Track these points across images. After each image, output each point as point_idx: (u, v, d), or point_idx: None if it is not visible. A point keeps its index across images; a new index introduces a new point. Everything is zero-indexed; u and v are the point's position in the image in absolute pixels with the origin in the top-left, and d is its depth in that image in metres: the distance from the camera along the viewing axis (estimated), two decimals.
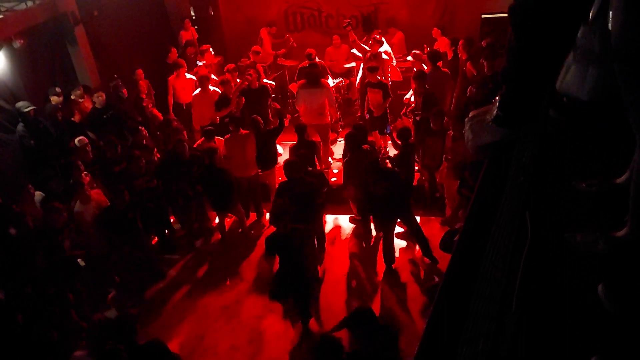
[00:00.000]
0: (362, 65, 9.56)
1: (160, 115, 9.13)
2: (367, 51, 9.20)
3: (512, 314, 1.36)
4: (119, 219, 6.53)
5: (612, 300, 1.37)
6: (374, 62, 8.77)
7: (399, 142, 7.30)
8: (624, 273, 1.44)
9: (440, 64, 8.71)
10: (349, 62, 10.33)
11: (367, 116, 8.89)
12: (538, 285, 1.46)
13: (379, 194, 6.41)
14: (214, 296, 6.92)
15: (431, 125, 7.40)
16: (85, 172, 6.91)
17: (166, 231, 7.85)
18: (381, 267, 7.06)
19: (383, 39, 9.64)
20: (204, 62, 10.20)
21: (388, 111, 8.81)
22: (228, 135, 7.84)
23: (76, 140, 7.35)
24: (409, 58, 9.42)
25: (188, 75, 9.59)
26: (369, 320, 4.33)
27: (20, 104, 7.28)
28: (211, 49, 10.44)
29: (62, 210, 6.09)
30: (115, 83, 8.82)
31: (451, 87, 8.76)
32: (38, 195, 6.63)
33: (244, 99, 8.74)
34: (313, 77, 8.55)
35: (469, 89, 8.18)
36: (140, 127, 8.22)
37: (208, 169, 7.32)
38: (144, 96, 9.13)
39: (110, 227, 6.51)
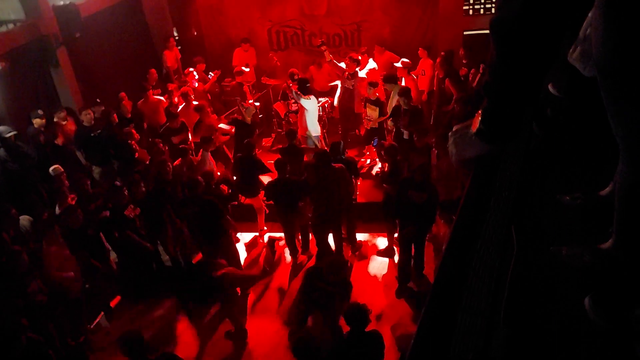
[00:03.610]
0: (339, 85, 9.65)
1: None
2: (344, 70, 9.28)
3: (500, 328, 1.35)
4: (77, 236, 6.35)
5: (598, 313, 1.37)
6: (370, 79, 8.94)
7: (388, 160, 7.32)
8: (610, 285, 1.43)
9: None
10: (333, 81, 10.40)
11: (364, 130, 9.00)
12: (525, 299, 1.46)
13: (418, 202, 6.38)
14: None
15: (415, 142, 7.47)
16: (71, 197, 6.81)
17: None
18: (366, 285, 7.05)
19: (360, 57, 9.78)
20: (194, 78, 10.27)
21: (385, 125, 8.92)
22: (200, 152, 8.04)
23: (51, 169, 7.18)
24: (398, 64, 9.48)
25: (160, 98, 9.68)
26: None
27: (0, 128, 7.18)
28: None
29: (23, 253, 5.72)
30: (107, 109, 8.80)
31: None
32: (24, 219, 6.51)
33: (232, 129, 8.95)
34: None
35: (450, 106, 8.31)
36: (131, 142, 8.18)
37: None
38: (129, 116, 9.10)
39: (72, 246, 6.27)
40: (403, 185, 6.59)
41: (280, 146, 8.72)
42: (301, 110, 8.71)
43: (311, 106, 8.53)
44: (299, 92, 8.38)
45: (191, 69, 10.31)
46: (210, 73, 10.51)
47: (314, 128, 8.68)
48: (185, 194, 7.12)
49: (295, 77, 9.58)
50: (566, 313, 1.46)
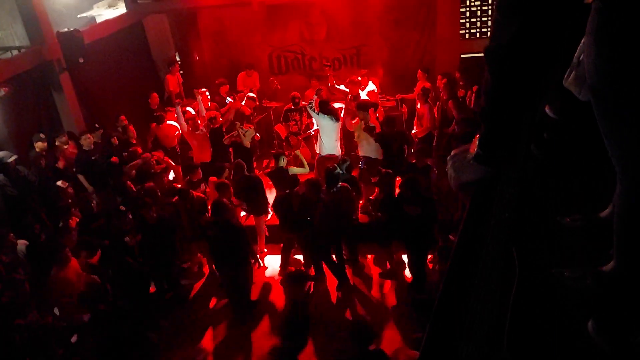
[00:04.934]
0: (343, 107, 9.71)
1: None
2: (347, 93, 9.36)
3: (502, 353, 1.34)
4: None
5: (602, 336, 1.36)
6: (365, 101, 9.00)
7: (381, 187, 7.31)
8: (613, 308, 1.43)
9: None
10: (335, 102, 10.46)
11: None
12: (527, 323, 1.45)
13: (412, 215, 6.37)
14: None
15: (416, 163, 7.50)
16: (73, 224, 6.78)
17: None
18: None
19: (360, 78, 9.85)
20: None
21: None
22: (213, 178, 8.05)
23: (59, 182, 7.23)
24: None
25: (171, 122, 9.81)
26: None
27: (0, 154, 7.22)
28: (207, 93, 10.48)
29: (24, 282, 5.66)
30: (107, 132, 8.89)
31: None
32: (22, 244, 6.49)
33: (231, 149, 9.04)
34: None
35: (451, 128, 8.35)
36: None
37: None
38: (134, 141, 9.15)
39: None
40: (398, 200, 6.62)
41: (268, 170, 8.78)
42: (317, 130, 8.80)
43: (325, 123, 8.56)
44: (316, 108, 8.47)
45: (203, 89, 10.31)
46: (228, 98, 10.53)
47: (325, 148, 8.68)
48: (209, 217, 7.04)
49: (297, 100, 9.66)
50: (569, 336, 1.44)
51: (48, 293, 5.84)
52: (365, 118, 8.33)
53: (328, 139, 8.63)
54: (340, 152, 8.83)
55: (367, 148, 8.38)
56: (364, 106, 8.43)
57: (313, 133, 9.86)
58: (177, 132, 9.76)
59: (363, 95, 9.65)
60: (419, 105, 9.26)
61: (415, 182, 6.51)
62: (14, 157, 7.18)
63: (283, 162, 8.05)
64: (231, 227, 6.61)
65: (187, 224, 7.52)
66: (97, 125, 8.98)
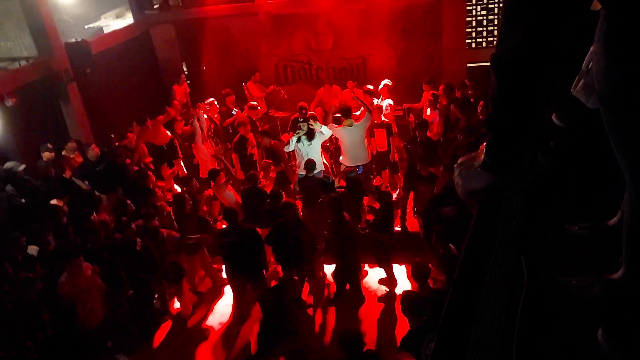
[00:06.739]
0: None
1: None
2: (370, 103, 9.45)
3: None
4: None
5: (612, 345, 1.34)
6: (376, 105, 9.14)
7: (380, 204, 7.29)
8: (622, 316, 1.41)
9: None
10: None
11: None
12: (537, 331, 1.44)
13: (450, 216, 6.42)
14: None
15: (420, 171, 7.46)
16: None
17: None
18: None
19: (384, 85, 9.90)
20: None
21: (394, 150, 9.01)
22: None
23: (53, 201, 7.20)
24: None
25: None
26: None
27: (9, 164, 7.25)
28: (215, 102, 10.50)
29: (35, 281, 5.69)
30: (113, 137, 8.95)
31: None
32: (32, 249, 6.51)
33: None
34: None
35: (454, 134, 8.37)
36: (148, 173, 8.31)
37: None
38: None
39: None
40: (432, 205, 6.65)
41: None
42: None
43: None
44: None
45: (211, 99, 10.22)
46: (234, 109, 10.55)
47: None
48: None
49: (304, 111, 9.67)
50: (578, 344, 1.43)
51: (60, 298, 5.85)
52: (346, 123, 8.37)
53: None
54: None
55: (353, 157, 8.51)
56: (347, 112, 8.48)
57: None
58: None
59: (385, 104, 9.71)
60: (428, 112, 9.26)
61: (453, 185, 6.55)
62: (22, 167, 7.21)
63: (314, 171, 8.01)
64: (245, 231, 6.55)
65: (157, 262, 7.09)
66: (113, 136, 8.99)
